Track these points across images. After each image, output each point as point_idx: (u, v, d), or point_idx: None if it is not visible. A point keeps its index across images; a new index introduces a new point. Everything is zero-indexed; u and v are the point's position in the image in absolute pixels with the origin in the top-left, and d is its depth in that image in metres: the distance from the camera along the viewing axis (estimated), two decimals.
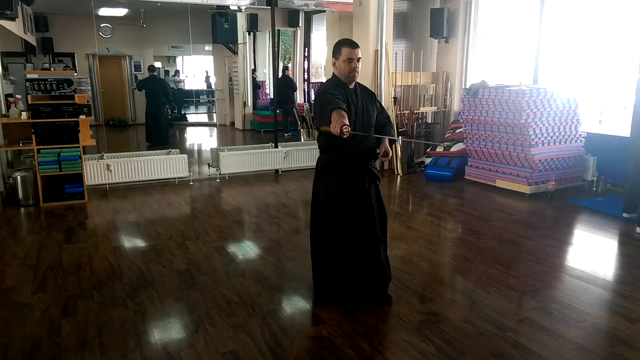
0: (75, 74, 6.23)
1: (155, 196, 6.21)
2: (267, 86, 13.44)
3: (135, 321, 3.06)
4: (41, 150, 5.63)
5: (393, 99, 7.58)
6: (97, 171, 6.38)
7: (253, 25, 11.66)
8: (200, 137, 13.08)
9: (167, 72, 16.28)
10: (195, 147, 11.13)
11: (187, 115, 15.49)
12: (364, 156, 3.15)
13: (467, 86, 7.14)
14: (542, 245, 4.43)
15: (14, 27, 7.37)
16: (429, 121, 8.39)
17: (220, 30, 11.19)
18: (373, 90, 4.12)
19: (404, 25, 8.44)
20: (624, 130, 5.93)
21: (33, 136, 5.56)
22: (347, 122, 2.73)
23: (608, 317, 3.15)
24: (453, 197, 6.26)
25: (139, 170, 6.63)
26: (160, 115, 10.28)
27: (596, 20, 6.60)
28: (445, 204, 6.03)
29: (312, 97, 12.49)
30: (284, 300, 3.41)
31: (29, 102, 5.66)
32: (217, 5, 10.63)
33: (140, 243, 4.57)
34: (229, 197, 6.37)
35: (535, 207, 5.68)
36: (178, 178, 6.91)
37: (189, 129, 13.88)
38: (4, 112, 6.19)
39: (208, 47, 13.91)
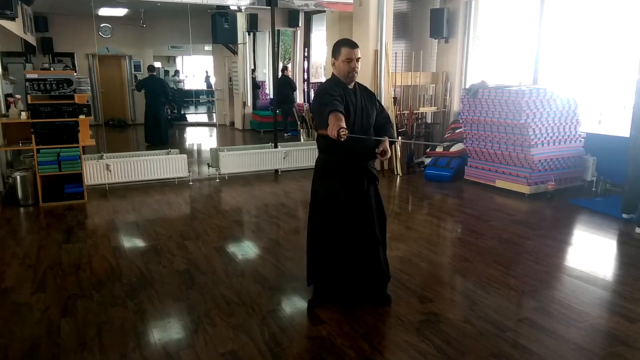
0: (75, 73, 6.23)
1: (155, 196, 6.21)
2: (267, 86, 13.44)
3: (134, 321, 3.06)
4: (41, 150, 5.63)
5: (393, 99, 7.58)
6: (97, 171, 6.38)
7: (253, 25, 11.66)
8: (200, 137, 13.08)
9: (167, 72, 16.27)
10: (195, 147, 11.13)
11: (186, 115, 15.48)
12: (363, 156, 3.15)
13: (467, 86, 7.14)
14: (541, 245, 4.43)
15: (14, 27, 7.37)
16: (429, 121, 8.39)
17: (220, 31, 11.19)
18: (373, 91, 4.12)
19: (403, 26, 8.45)
20: (623, 130, 5.93)
21: (33, 136, 5.56)
22: (344, 125, 2.72)
23: (607, 317, 3.15)
24: (453, 197, 6.27)
25: (138, 170, 6.63)
26: (160, 115, 10.27)
27: (596, 20, 6.61)
28: (444, 204, 6.03)
29: (312, 97, 12.49)
30: (283, 300, 3.41)
31: (29, 102, 5.66)
32: (217, 5, 10.64)
33: (139, 243, 4.57)
34: (228, 197, 6.37)
35: (535, 207, 5.68)
36: (178, 178, 6.91)
37: (188, 129, 13.88)
38: (3, 112, 6.19)
39: (208, 47, 13.91)
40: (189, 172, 6.99)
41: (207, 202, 6.06)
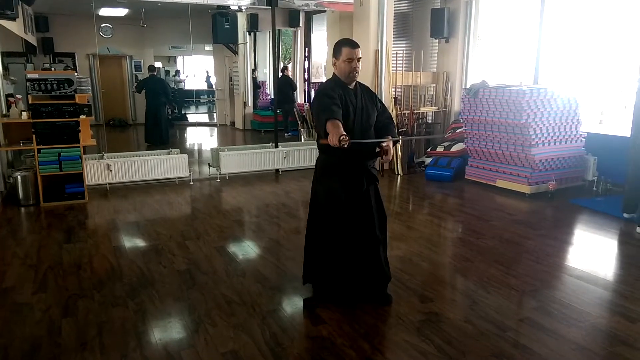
0: (76, 74, 6.24)
1: (156, 196, 6.21)
2: (268, 86, 13.44)
3: (135, 321, 3.07)
4: (41, 150, 5.64)
5: (393, 99, 7.58)
6: (98, 171, 6.39)
7: (253, 25, 11.66)
8: (201, 137, 13.08)
9: (167, 72, 16.29)
10: (196, 147, 11.13)
11: (187, 115, 15.49)
12: (363, 156, 3.14)
13: (468, 86, 7.14)
14: (542, 245, 4.43)
15: (15, 27, 7.38)
16: (430, 121, 8.39)
17: (220, 30, 11.19)
18: (373, 91, 4.11)
19: (404, 25, 8.44)
20: (624, 130, 5.93)
21: (33, 136, 5.57)
22: (342, 131, 2.73)
23: (608, 317, 3.15)
24: (453, 197, 6.26)
25: (139, 170, 6.63)
26: (161, 115, 10.27)
27: (597, 20, 6.60)
28: (445, 203, 6.02)
29: (313, 97, 12.48)
30: (284, 300, 3.41)
31: (30, 102, 5.66)
32: (218, 5, 10.64)
33: (140, 243, 4.57)
34: (229, 197, 6.37)
35: (536, 207, 5.67)
36: (178, 178, 6.91)
37: (189, 129, 13.89)
38: (4, 112, 6.19)
39: (208, 47, 13.92)
40: (190, 172, 6.99)
41: (207, 202, 6.07)
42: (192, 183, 6.90)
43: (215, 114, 15.01)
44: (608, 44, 6.55)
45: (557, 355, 2.69)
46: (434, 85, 8.26)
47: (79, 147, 5.80)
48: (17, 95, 6.57)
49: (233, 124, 13.23)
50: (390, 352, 2.76)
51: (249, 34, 12.15)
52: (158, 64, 14.29)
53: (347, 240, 3.19)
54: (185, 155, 6.94)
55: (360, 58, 3.09)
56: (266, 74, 13.64)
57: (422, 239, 4.63)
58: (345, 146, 2.70)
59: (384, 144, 3.02)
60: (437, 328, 2.96)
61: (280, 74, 10.95)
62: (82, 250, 4.31)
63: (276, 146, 7.62)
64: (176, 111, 14.60)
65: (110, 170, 6.44)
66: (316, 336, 2.90)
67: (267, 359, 2.66)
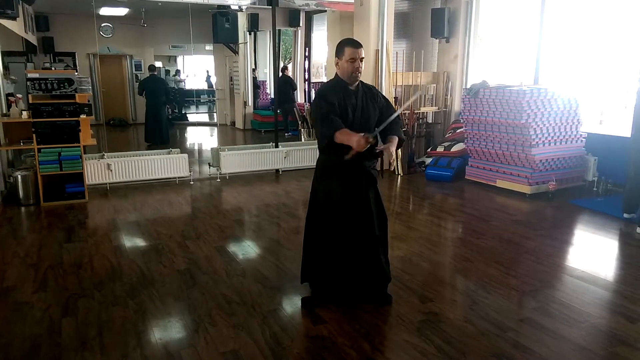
0: (76, 73, 6.23)
1: (156, 196, 6.21)
2: (268, 86, 13.45)
3: (135, 320, 3.07)
4: (42, 150, 5.64)
5: (394, 99, 7.58)
6: (98, 171, 6.39)
7: (254, 25, 11.67)
8: (201, 136, 13.08)
9: (167, 72, 16.30)
10: (196, 147, 11.13)
11: (187, 115, 15.50)
12: (362, 157, 3.13)
13: (468, 86, 7.14)
14: (542, 245, 4.43)
15: (15, 26, 7.38)
16: (430, 121, 8.39)
17: (221, 30, 11.20)
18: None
19: (404, 25, 8.44)
20: (624, 130, 5.92)
21: (34, 135, 5.57)
22: (358, 135, 2.80)
23: (609, 317, 3.15)
24: (453, 197, 6.26)
25: (139, 169, 6.63)
26: (161, 115, 10.27)
27: (597, 20, 6.60)
28: (445, 204, 6.03)
29: (313, 97, 12.49)
30: (284, 299, 3.41)
31: (30, 101, 5.66)
32: (218, 5, 10.65)
33: (140, 242, 4.57)
34: (229, 196, 6.37)
35: (536, 207, 5.67)
36: (179, 177, 6.91)
37: (189, 129, 13.89)
38: (4, 112, 6.19)
39: (209, 47, 13.93)
40: (190, 171, 6.99)
41: (208, 202, 6.07)
42: (192, 183, 6.90)
43: (215, 114, 15.03)
44: (608, 44, 6.55)
45: (557, 356, 2.69)
46: (434, 85, 8.26)
47: (79, 146, 5.80)
48: (17, 95, 6.57)
49: (233, 123, 13.23)
50: (390, 351, 2.76)
51: (249, 34, 12.15)
52: (158, 64, 14.31)
53: (345, 240, 3.18)
54: (186, 155, 6.94)
55: (363, 58, 3.08)
56: (266, 74, 13.64)
57: (422, 239, 4.63)
58: (372, 141, 2.77)
59: (386, 145, 3.02)
60: (437, 328, 2.96)
61: (280, 74, 10.96)
62: (82, 250, 4.31)
63: (276, 146, 7.62)
64: (176, 111, 14.61)
65: (111, 170, 6.44)
66: (316, 336, 2.90)
67: (268, 358, 2.66)
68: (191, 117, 15.61)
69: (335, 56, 3.13)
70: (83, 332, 2.93)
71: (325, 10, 10.97)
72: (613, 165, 6.04)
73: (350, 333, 2.90)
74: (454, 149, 7.29)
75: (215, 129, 13.76)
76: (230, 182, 6.97)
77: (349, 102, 3.05)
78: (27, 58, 10.15)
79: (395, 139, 3.10)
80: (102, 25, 11.69)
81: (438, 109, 8.26)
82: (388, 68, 7.47)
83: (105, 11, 10.79)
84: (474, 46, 8.00)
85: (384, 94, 7.30)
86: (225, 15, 11.10)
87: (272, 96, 12.12)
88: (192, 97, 16.71)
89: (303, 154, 7.62)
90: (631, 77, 6.07)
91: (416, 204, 6.16)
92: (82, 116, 5.93)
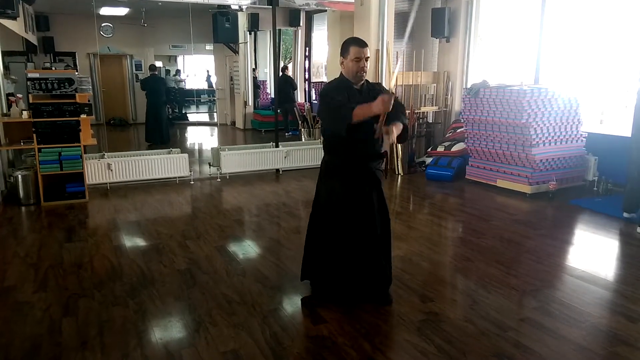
0: (76, 73, 6.22)
1: (156, 195, 6.21)
2: (268, 85, 13.45)
3: (136, 320, 3.07)
4: (42, 150, 5.64)
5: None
6: (98, 170, 6.39)
7: (254, 24, 11.66)
8: (201, 136, 13.08)
9: (168, 72, 16.28)
10: (196, 147, 11.13)
11: (187, 115, 15.50)
12: (367, 158, 3.12)
13: (468, 86, 7.13)
14: (542, 245, 4.43)
15: (15, 26, 7.38)
16: (430, 121, 8.38)
17: (221, 30, 11.20)
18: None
19: (405, 25, 8.43)
20: (625, 130, 5.92)
21: (34, 135, 5.57)
22: (377, 100, 2.72)
23: (609, 317, 3.15)
24: (454, 196, 6.26)
25: (139, 169, 6.63)
26: (161, 114, 10.29)
27: (598, 19, 6.60)
28: (446, 203, 6.02)
29: (313, 96, 12.50)
30: (284, 299, 3.41)
31: (30, 101, 5.66)
32: (218, 5, 10.64)
33: (141, 242, 4.57)
34: (229, 196, 6.37)
35: (536, 206, 5.67)
36: (179, 177, 6.91)
37: (189, 128, 13.89)
38: (5, 111, 6.19)
39: (209, 47, 13.92)
40: (190, 171, 6.99)
41: (208, 202, 6.07)
42: (192, 182, 6.90)
43: (215, 114, 15.02)
44: (609, 43, 6.55)
45: (557, 355, 2.69)
46: (435, 85, 8.26)
47: (79, 146, 5.80)
48: (17, 95, 6.57)
49: (233, 123, 13.23)
50: (391, 351, 2.76)
51: (250, 34, 12.14)
52: (159, 64, 14.30)
53: (345, 240, 3.17)
54: (186, 155, 6.94)
55: (368, 57, 3.07)
56: (267, 74, 13.64)
57: (423, 238, 4.63)
58: (391, 96, 2.70)
59: (390, 127, 2.89)
60: (437, 328, 2.96)
61: (281, 74, 10.96)
62: (82, 250, 4.32)
63: (277, 146, 7.61)
64: (177, 111, 14.61)
65: (111, 170, 6.44)
66: (317, 335, 2.90)
67: (268, 358, 2.66)
68: (191, 117, 15.61)
69: (340, 55, 3.11)
70: (83, 331, 2.93)
71: (326, 10, 10.96)
72: (613, 165, 6.03)
73: (350, 333, 2.90)
74: (454, 148, 7.29)
75: (216, 128, 13.76)
76: (231, 182, 6.97)
77: (353, 101, 3.03)
78: (28, 58, 10.15)
79: (400, 125, 3.00)
80: (103, 25, 11.68)
81: (438, 108, 8.26)
82: (388, 68, 7.46)
83: (105, 11, 10.79)
84: (475, 46, 8.00)
85: None
86: (226, 15, 11.10)
87: (273, 96, 12.12)
88: (192, 97, 16.70)
89: (303, 153, 7.62)
90: (631, 76, 6.07)
91: (416, 203, 6.16)
92: (83, 116, 5.93)
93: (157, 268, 3.89)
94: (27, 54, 10.30)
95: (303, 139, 9.80)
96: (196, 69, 18.43)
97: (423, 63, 7.94)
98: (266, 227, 5.05)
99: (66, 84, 5.66)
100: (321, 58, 13.16)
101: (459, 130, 7.47)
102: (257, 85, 13.01)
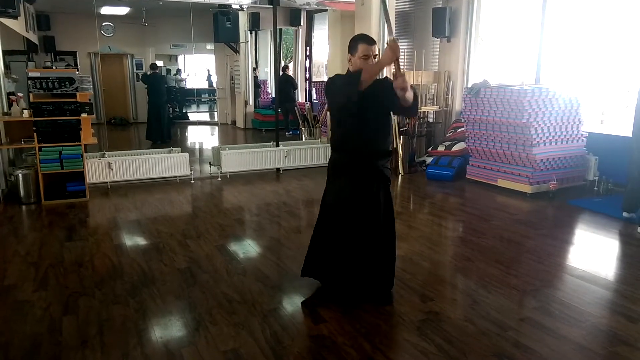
0: (77, 72, 6.22)
1: (157, 194, 6.22)
2: (269, 85, 13.45)
3: (136, 319, 3.07)
4: (43, 149, 5.64)
5: None
6: (99, 169, 6.39)
7: (255, 24, 11.66)
8: (202, 135, 13.09)
9: (168, 71, 16.27)
10: (197, 146, 11.13)
11: (188, 114, 15.49)
12: (375, 156, 3.09)
13: (469, 85, 7.13)
14: (543, 244, 4.42)
15: (16, 25, 7.38)
16: (431, 120, 8.38)
17: (222, 29, 11.19)
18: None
19: (406, 25, 8.43)
20: (625, 130, 5.92)
21: (35, 134, 5.57)
22: (385, 51, 2.73)
23: (609, 317, 3.15)
24: (454, 196, 6.26)
25: (140, 168, 6.64)
26: (163, 113, 10.32)
27: (599, 19, 6.59)
28: (446, 203, 6.02)
29: (314, 96, 12.49)
30: (284, 298, 3.41)
31: (31, 100, 5.66)
32: (219, 4, 10.64)
33: (141, 241, 4.57)
34: (230, 195, 6.37)
35: (537, 206, 5.67)
36: (179, 176, 6.91)
37: (190, 128, 13.89)
38: (5, 110, 6.19)
39: (210, 46, 13.91)
40: (191, 170, 6.99)
41: (208, 201, 6.07)
42: (193, 182, 6.91)
43: (216, 113, 15.01)
44: (610, 43, 6.54)
45: (557, 355, 2.68)
46: (435, 84, 8.25)
47: (80, 145, 5.81)
48: (18, 94, 6.57)
49: (234, 122, 13.22)
50: (390, 351, 2.76)
51: (250, 33, 12.14)
52: (159, 63, 14.28)
53: (353, 239, 3.16)
54: (187, 154, 6.94)
55: (376, 55, 3.05)
56: (267, 73, 13.63)
57: (423, 238, 4.62)
58: (394, 40, 2.72)
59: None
60: (437, 327, 2.96)
61: (281, 73, 10.96)
62: (83, 249, 4.32)
63: (277, 145, 7.61)
64: (177, 110, 14.60)
65: (111, 169, 6.45)
66: (317, 335, 2.90)
67: (268, 357, 2.66)
68: (192, 116, 15.59)
69: (348, 52, 3.08)
70: (84, 330, 2.93)
71: (327, 10, 10.96)
72: (614, 165, 6.03)
73: (350, 332, 2.90)
74: (454, 148, 7.28)
75: (216, 128, 13.75)
76: (231, 181, 6.97)
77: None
78: (28, 57, 10.16)
79: (411, 92, 2.94)
80: (103, 24, 11.66)
81: (439, 108, 8.26)
82: (389, 67, 7.45)
83: (106, 10, 10.78)
84: (475, 45, 7.99)
85: None
86: (226, 14, 11.10)
87: (273, 95, 12.12)
88: (193, 96, 16.69)
89: (304, 153, 7.62)
90: (632, 76, 6.07)
91: (417, 203, 6.15)
92: (83, 115, 5.93)
93: (157, 267, 3.89)
94: (28, 53, 10.30)
95: (303, 138, 9.79)
96: (197, 68, 18.41)
97: (424, 62, 7.94)
98: (266, 227, 5.05)
99: (67, 83, 5.67)
100: (322, 58, 13.15)
101: (459, 130, 7.47)
102: (258, 85, 13.00)
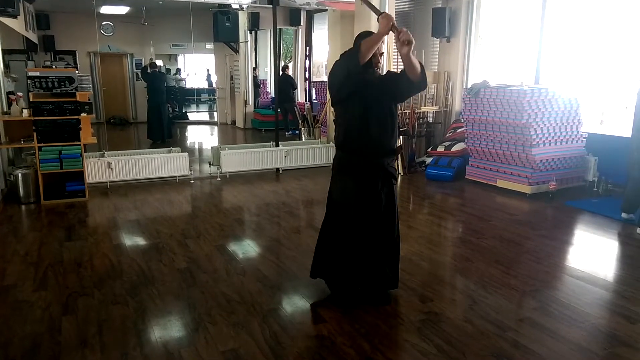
0: (77, 71, 6.21)
1: (156, 194, 6.21)
2: (268, 85, 13.45)
3: (135, 319, 3.07)
4: (42, 148, 5.64)
5: None
6: (98, 169, 6.39)
7: (254, 23, 11.66)
8: (201, 135, 13.08)
9: (168, 71, 16.26)
10: (196, 146, 11.13)
11: (188, 114, 15.48)
12: (379, 154, 3.07)
13: (469, 86, 7.13)
14: (542, 245, 4.43)
15: (16, 24, 7.37)
16: (430, 120, 8.39)
17: (221, 29, 11.19)
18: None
19: (405, 25, 8.42)
20: (625, 130, 5.92)
21: (34, 134, 5.57)
22: (380, 25, 2.77)
23: (608, 318, 3.15)
24: (454, 196, 6.26)
25: (140, 168, 6.63)
26: (163, 112, 10.34)
27: (598, 20, 6.60)
28: (446, 203, 6.02)
29: (314, 96, 12.49)
30: (284, 299, 3.41)
31: (31, 99, 5.66)
32: (219, 4, 10.64)
33: (141, 241, 4.57)
34: (229, 195, 6.37)
35: (536, 207, 5.67)
36: (179, 176, 6.91)
37: (190, 127, 13.88)
38: (5, 110, 6.19)
39: (209, 46, 13.90)
40: (190, 170, 6.99)
41: (208, 201, 6.07)
42: (192, 181, 6.90)
43: (215, 113, 15.00)
44: (609, 44, 6.55)
45: (557, 356, 2.69)
46: (435, 84, 8.26)
47: (79, 145, 5.80)
48: (18, 93, 6.56)
49: (234, 122, 13.22)
50: (390, 351, 2.76)
51: (250, 33, 12.14)
52: (159, 62, 14.26)
53: (360, 239, 3.14)
54: (186, 154, 6.94)
55: (382, 53, 3.05)
56: (267, 73, 13.63)
57: (423, 238, 4.63)
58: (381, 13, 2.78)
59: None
60: (437, 328, 2.96)
61: (281, 73, 10.95)
62: (82, 248, 4.32)
63: (277, 145, 7.61)
64: (177, 110, 14.59)
65: (111, 169, 6.45)
66: (316, 335, 2.90)
67: (267, 357, 2.66)
68: (192, 116, 15.58)
69: None
70: (83, 330, 2.93)
71: (326, 10, 10.96)
72: (613, 165, 6.03)
73: (350, 332, 2.90)
74: (454, 148, 7.29)
75: (216, 127, 13.75)
76: (231, 181, 6.97)
77: (363, 83, 3.00)
78: (28, 56, 10.14)
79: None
80: (103, 23, 11.65)
81: (439, 108, 8.26)
82: (389, 67, 7.46)
83: (106, 9, 10.78)
84: (475, 46, 8.00)
85: None
86: (226, 14, 11.10)
87: (273, 95, 12.12)
88: (192, 96, 16.68)
89: (303, 153, 7.62)
90: (632, 77, 6.07)
91: (416, 203, 6.16)
92: (83, 114, 5.93)
93: (157, 267, 3.89)
94: (28, 52, 10.28)
95: (303, 138, 9.79)
96: (196, 68, 18.39)
97: (423, 63, 7.92)
98: (266, 227, 5.05)
99: (66, 82, 5.66)
100: (322, 57, 13.15)
101: (459, 130, 7.47)
102: (258, 85, 13.00)
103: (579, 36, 6.83)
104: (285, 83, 11.00)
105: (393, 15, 7.50)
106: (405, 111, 7.80)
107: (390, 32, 2.78)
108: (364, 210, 3.11)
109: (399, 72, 3.12)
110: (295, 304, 3.32)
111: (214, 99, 15.84)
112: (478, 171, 6.68)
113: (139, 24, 11.05)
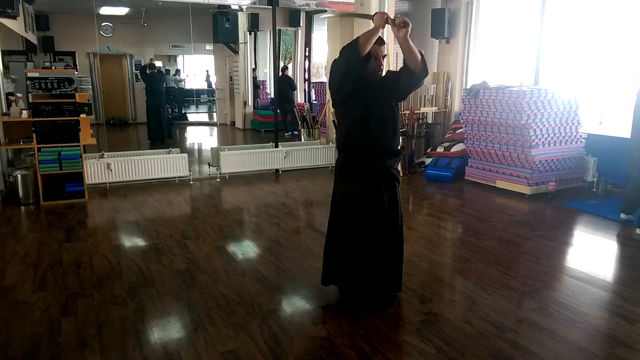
0: (76, 72, 6.21)
1: (156, 195, 6.21)
2: (268, 86, 13.46)
3: (135, 320, 3.07)
4: (42, 149, 5.64)
5: None
6: (98, 170, 6.39)
7: (254, 24, 11.67)
8: (201, 136, 13.08)
9: (167, 71, 16.26)
10: (196, 147, 11.13)
11: (187, 115, 15.48)
12: (381, 155, 3.06)
13: (468, 87, 7.14)
14: (542, 246, 4.43)
15: (15, 25, 7.36)
16: (430, 121, 8.39)
17: (221, 30, 11.20)
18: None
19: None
20: (624, 131, 5.93)
21: (34, 135, 5.57)
22: (376, 21, 2.81)
23: (608, 318, 3.15)
24: (453, 197, 6.27)
25: (139, 169, 6.63)
26: (162, 112, 10.35)
27: (597, 21, 6.61)
28: (445, 204, 6.03)
29: (313, 97, 12.50)
30: (283, 299, 3.41)
31: (30, 100, 5.66)
32: (218, 5, 10.64)
33: (140, 242, 4.57)
34: (229, 196, 6.37)
35: (535, 207, 5.68)
36: (178, 177, 6.91)
37: (189, 128, 13.88)
38: (4, 111, 6.19)
39: (209, 47, 13.91)
40: (190, 171, 6.99)
41: (207, 202, 6.07)
42: (192, 182, 6.90)
43: (215, 114, 15.01)
44: (608, 45, 6.56)
45: (556, 356, 2.69)
46: (434, 85, 8.26)
47: (79, 146, 5.80)
48: (17, 94, 6.56)
49: (233, 123, 13.22)
50: (389, 352, 2.76)
51: (250, 34, 12.14)
52: (158, 63, 14.27)
53: (363, 242, 3.12)
54: (185, 155, 6.94)
55: (385, 55, 3.05)
56: (266, 74, 13.64)
57: (422, 239, 4.63)
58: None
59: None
60: (436, 328, 2.96)
61: (280, 74, 10.96)
62: (82, 249, 4.32)
63: (276, 146, 7.62)
64: (176, 110, 14.60)
65: (110, 170, 6.44)
66: (316, 336, 2.90)
67: (267, 358, 2.66)
68: (191, 117, 15.58)
69: None
70: (82, 331, 2.93)
71: (326, 10, 10.97)
72: (613, 166, 6.04)
73: (349, 333, 2.90)
74: (453, 149, 7.29)
75: (215, 128, 13.75)
76: (230, 182, 6.97)
77: (363, 83, 3.00)
78: (27, 57, 10.14)
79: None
80: (102, 24, 11.66)
81: (438, 109, 8.27)
82: (388, 68, 7.46)
83: (105, 10, 10.78)
84: (474, 46, 8.01)
85: None
86: (226, 15, 11.10)
87: (272, 96, 12.12)
88: (192, 97, 16.68)
89: (303, 154, 7.62)
90: (631, 77, 6.07)
91: (416, 204, 6.16)
92: (82, 115, 5.93)
93: (156, 268, 3.89)
94: (27, 53, 10.29)
95: (302, 139, 9.79)
96: (196, 68, 18.40)
97: None
98: (265, 228, 5.05)
99: (66, 83, 5.66)
100: (321, 58, 13.15)
101: (458, 131, 7.48)
102: (257, 86, 13.00)
103: (578, 37, 6.84)
104: (284, 84, 11.00)
105: (392, 16, 7.53)
106: (405, 112, 7.80)
107: (387, 25, 2.79)
108: (366, 212, 3.09)
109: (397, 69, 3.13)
110: (295, 305, 3.32)
111: (214, 100, 15.85)
112: (477, 172, 6.68)
113: (139, 24, 11.06)
